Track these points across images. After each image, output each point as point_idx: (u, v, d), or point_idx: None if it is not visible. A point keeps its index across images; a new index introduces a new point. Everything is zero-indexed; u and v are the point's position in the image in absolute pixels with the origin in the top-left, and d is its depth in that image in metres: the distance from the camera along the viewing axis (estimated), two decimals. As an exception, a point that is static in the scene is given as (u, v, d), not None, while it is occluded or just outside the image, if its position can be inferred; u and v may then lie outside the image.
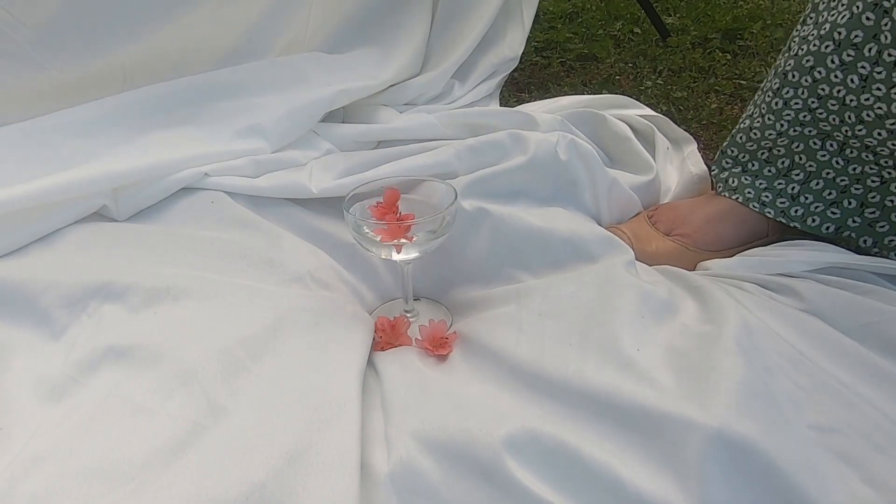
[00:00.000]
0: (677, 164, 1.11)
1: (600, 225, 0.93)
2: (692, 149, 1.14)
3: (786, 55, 0.84)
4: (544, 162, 0.93)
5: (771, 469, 0.54)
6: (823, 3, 0.78)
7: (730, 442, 0.56)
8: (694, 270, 0.86)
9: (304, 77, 1.09)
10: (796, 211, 0.87)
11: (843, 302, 0.74)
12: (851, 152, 0.80)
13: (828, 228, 0.86)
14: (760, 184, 0.90)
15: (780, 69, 0.84)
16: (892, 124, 0.73)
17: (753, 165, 0.91)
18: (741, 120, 0.95)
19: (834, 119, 0.77)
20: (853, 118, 0.76)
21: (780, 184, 0.88)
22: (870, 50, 0.72)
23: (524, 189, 0.92)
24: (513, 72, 1.39)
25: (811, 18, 0.81)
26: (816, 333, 0.70)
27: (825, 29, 0.75)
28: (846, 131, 0.76)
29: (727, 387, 0.63)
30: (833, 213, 0.85)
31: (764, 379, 0.63)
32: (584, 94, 1.36)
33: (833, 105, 0.76)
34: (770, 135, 0.87)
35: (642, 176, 1.03)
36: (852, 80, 0.74)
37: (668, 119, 1.17)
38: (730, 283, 0.80)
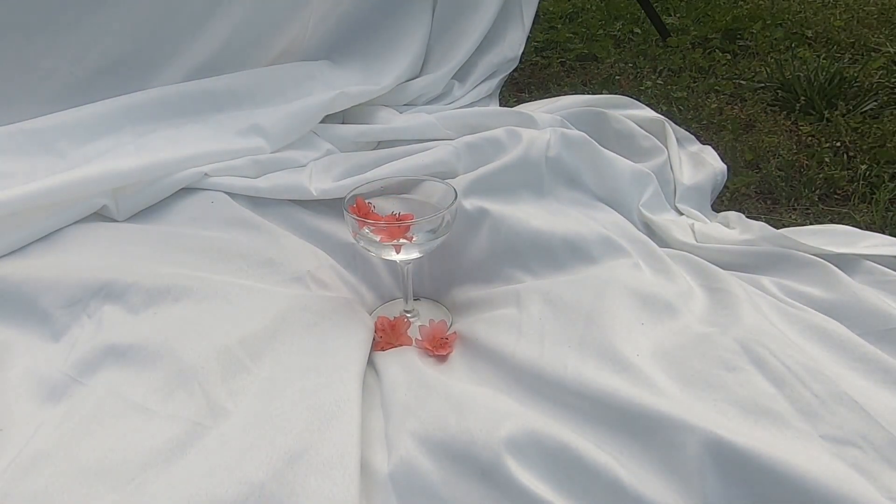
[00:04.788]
0: (689, 156, 1.12)
1: (616, 204, 0.94)
2: (704, 146, 1.15)
3: None
4: (538, 157, 0.93)
5: (779, 477, 0.54)
6: None
7: (729, 447, 0.55)
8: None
9: (305, 82, 1.10)
10: None
11: (871, 304, 0.73)
12: None
13: None
14: None
15: None
16: None
17: None
18: None
19: None
20: None
21: None
22: None
23: (524, 185, 0.92)
24: (513, 72, 1.39)
25: None
26: (837, 339, 0.70)
27: None
28: None
29: (727, 391, 0.63)
30: None
31: (772, 385, 0.63)
32: (584, 94, 1.36)
33: None
34: None
35: (652, 160, 1.03)
36: None
37: (668, 119, 1.17)
38: (753, 286, 0.80)
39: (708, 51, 1.71)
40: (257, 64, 1.11)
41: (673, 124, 1.16)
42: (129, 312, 0.72)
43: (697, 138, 1.19)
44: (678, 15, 1.98)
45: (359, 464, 0.56)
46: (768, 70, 1.55)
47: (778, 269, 0.84)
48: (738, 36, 1.80)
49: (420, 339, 0.75)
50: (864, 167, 1.12)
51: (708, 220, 1.00)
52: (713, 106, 1.39)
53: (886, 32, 1.77)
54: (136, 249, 0.82)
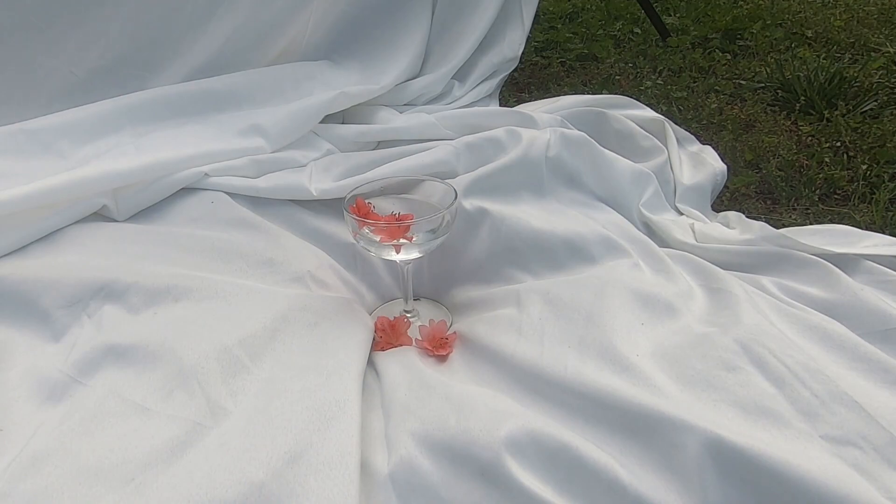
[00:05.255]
0: (689, 156, 1.12)
1: (616, 204, 0.94)
2: (704, 147, 1.15)
3: None
4: (538, 157, 0.93)
5: (779, 477, 0.54)
6: None
7: (729, 447, 0.55)
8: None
9: (304, 82, 1.10)
10: None
11: (871, 304, 0.73)
12: None
13: None
14: None
15: None
16: None
17: None
18: None
19: None
20: None
21: None
22: None
23: (524, 185, 0.92)
24: (513, 72, 1.39)
25: None
26: (837, 339, 0.70)
27: None
28: None
29: (727, 391, 0.63)
30: None
31: (772, 386, 0.63)
32: (584, 94, 1.36)
33: None
34: None
35: (652, 160, 1.03)
36: None
37: (668, 119, 1.17)
38: (753, 286, 0.80)
39: (708, 51, 1.71)
40: (257, 64, 1.11)
41: (673, 124, 1.16)
42: (129, 312, 0.72)
43: (697, 138, 1.19)
44: (678, 15, 1.98)
45: (359, 464, 0.56)
46: (768, 70, 1.55)
47: (778, 269, 0.84)
48: (738, 36, 1.80)
49: (420, 339, 0.75)
50: (864, 167, 1.12)
51: (708, 220, 1.00)
52: (713, 106, 1.39)
53: (886, 32, 1.77)
54: (136, 249, 0.82)
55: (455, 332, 0.76)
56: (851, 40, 1.73)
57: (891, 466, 0.56)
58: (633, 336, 0.70)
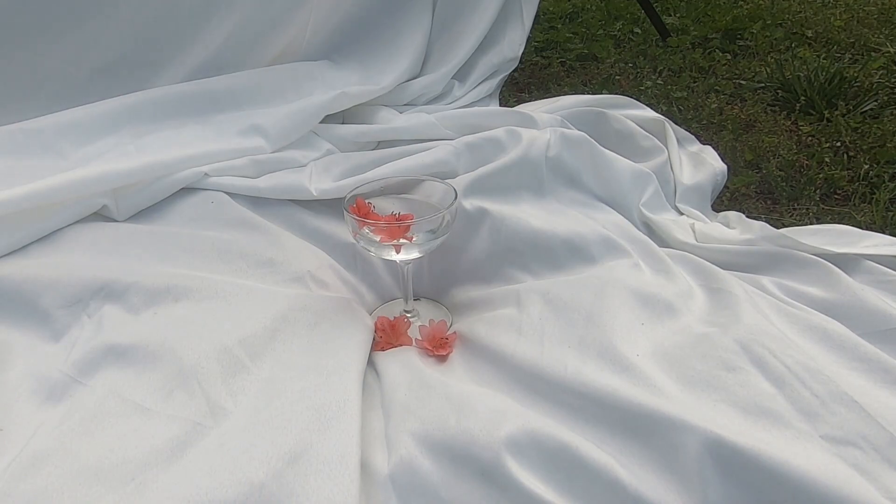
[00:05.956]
0: (689, 156, 1.12)
1: (616, 204, 0.95)
2: (704, 147, 1.15)
3: None
4: (538, 157, 0.93)
5: (779, 477, 0.53)
6: None
7: (729, 447, 0.55)
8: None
9: (305, 82, 1.10)
10: None
11: (871, 304, 0.73)
12: None
13: None
14: None
15: None
16: None
17: None
18: None
19: None
20: None
21: None
22: None
23: (524, 185, 0.92)
24: (513, 72, 1.39)
25: None
26: (837, 339, 0.69)
27: None
28: None
29: (727, 392, 0.63)
30: None
31: (772, 386, 0.63)
32: (584, 94, 1.36)
33: None
34: None
35: (652, 160, 1.03)
36: None
37: (668, 119, 1.17)
38: (753, 286, 0.80)
39: (708, 51, 1.71)
40: (257, 64, 1.12)
41: (673, 124, 1.16)
42: (129, 312, 0.72)
43: (697, 138, 1.19)
44: (678, 15, 1.98)
45: (359, 464, 0.56)
46: (768, 70, 1.55)
47: (778, 269, 0.84)
48: (738, 36, 1.80)
49: (420, 339, 0.75)
50: (864, 167, 1.12)
51: (708, 220, 1.00)
52: (713, 106, 1.39)
53: (886, 32, 1.77)
54: (136, 249, 0.82)
55: (455, 332, 0.76)
56: (851, 40, 1.73)
57: (891, 466, 0.56)
58: (633, 336, 0.70)
